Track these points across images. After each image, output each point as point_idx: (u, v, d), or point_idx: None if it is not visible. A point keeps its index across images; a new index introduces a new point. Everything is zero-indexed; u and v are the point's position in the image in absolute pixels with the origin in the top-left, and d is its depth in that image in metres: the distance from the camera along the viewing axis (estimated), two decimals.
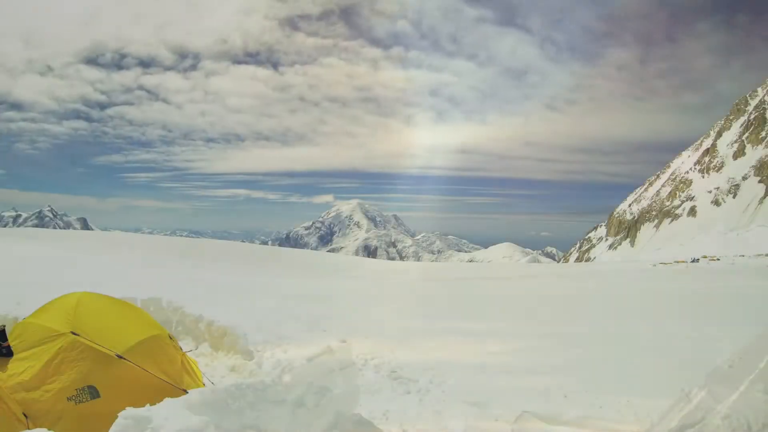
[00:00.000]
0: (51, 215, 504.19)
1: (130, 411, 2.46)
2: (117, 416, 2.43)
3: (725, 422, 4.27)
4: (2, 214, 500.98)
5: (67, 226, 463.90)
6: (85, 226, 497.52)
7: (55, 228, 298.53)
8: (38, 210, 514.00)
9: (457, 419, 4.34)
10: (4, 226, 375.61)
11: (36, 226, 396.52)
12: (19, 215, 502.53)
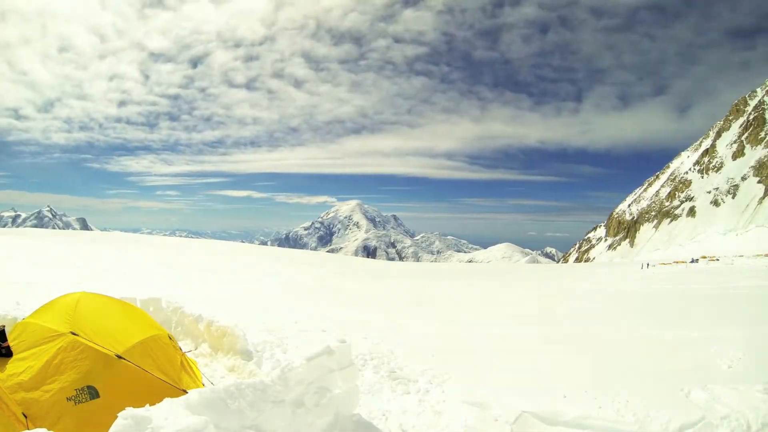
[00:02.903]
0: (50, 215, 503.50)
1: (129, 411, 2.45)
2: (117, 416, 2.43)
3: (725, 422, 4.29)
4: (2, 214, 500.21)
5: (67, 226, 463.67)
6: (84, 226, 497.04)
7: (54, 228, 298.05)
8: (37, 210, 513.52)
9: (457, 419, 4.34)
10: (4, 226, 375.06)
11: (35, 226, 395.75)
12: (19, 215, 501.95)
